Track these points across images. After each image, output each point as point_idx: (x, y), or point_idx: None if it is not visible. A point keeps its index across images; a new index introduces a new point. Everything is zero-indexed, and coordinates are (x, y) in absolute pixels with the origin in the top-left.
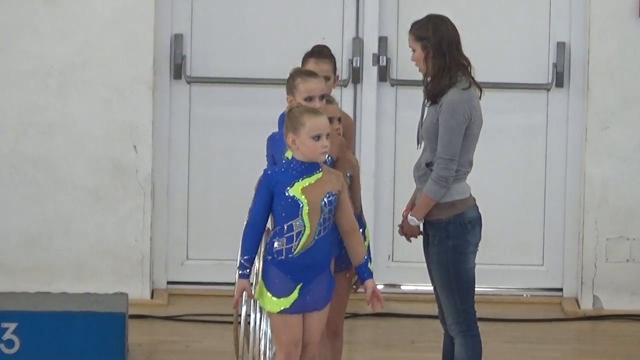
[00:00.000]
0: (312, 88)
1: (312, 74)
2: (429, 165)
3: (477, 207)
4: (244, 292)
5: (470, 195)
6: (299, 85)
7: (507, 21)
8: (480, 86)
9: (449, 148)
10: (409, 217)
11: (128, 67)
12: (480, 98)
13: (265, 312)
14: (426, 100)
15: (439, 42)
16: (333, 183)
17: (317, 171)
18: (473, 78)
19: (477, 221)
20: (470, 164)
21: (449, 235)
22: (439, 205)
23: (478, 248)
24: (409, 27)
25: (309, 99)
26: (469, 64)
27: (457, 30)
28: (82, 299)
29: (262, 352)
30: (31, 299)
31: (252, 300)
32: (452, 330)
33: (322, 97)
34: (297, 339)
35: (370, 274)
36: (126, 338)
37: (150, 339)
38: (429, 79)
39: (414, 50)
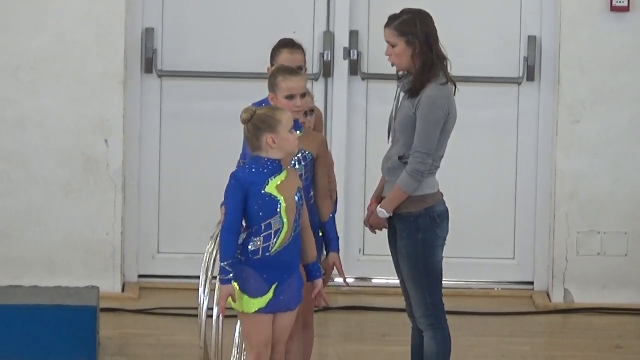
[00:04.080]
0: (293, 86)
1: (294, 72)
2: (401, 158)
3: (444, 201)
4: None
5: (438, 189)
6: (280, 82)
7: (478, 15)
8: (454, 82)
9: (426, 142)
10: (378, 209)
11: (99, 61)
12: (454, 94)
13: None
14: (404, 93)
15: (426, 36)
16: (297, 180)
17: (283, 168)
18: (449, 74)
19: (445, 215)
20: (441, 159)
21: (419, 228)
22: (410, 198)
23: (445, 242)
24: (388, 21)
25: (290, 97)
26: (446, 57)
27: (435, 26)
28: (53, 293)
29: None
30: (2, 292)
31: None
32: (420, 323)
33: (302, 94)
34: (268, 339)
35: (320, 273)
36: (97, 331)
37: (121, 332)
38: (402, 72)
39: (393, 45)
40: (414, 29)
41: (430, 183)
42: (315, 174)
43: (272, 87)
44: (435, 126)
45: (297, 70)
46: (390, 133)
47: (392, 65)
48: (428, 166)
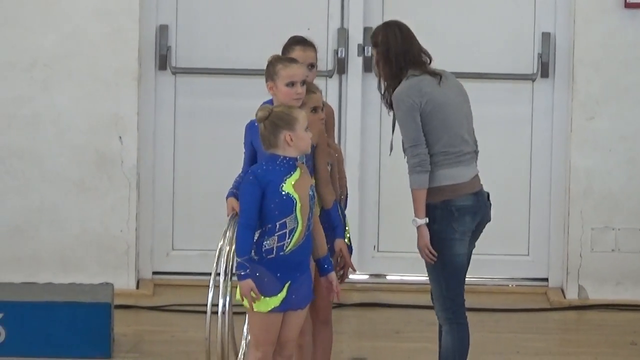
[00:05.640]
0: (293, 73)
1: (293, 60)
2: None
3: (473, 196)
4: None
5: (466, 182)
6: (280, 71)
7: (492, 11)
8: (438, 73)
9: (408, 136)
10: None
11: (113, 58)
12: (439, 83)
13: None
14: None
15: (387, 50)
16: (309, 178)
17: (297, 167)
18: (429, 69)
19: (467, 210)
20: (459, 144)
21: (435, 220)
22: (428, 190)
23: (467, 236)
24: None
25: (291, 84)
26: (426, 62)
27: (409, 37)
28: (68, 290)
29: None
30: (17, 290)
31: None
32: (439, 317)
33: (302, 82)
34: (275, 338)
35: (332, 267)
36: (112, 328)
37: (135, 329)
38: (383, 84)
39: (373, 56)
40: (378, 40)
41: (449, 175)
42: (316, 163)
43: (271, 76)
44: (407, 119)
45: (295, 59)
46: (392, 147)
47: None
48: (422, 155)
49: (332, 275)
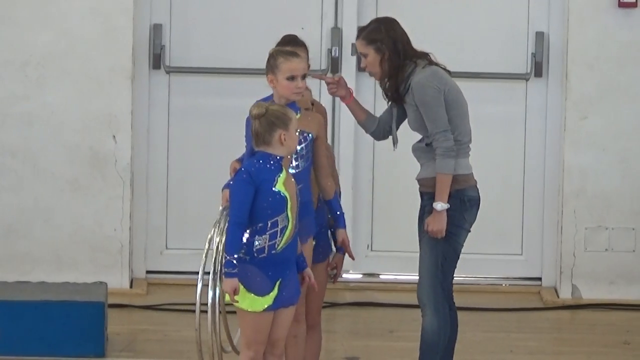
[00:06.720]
0: (294, 67)
1: (294, 54)
2: (429, 145)
3: (476, 189)
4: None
5: (472, 174)
6: (281, 64)
7: (486, 11)
8: (444, 68)
9: (437, 121)
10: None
11: (107, 57)
12: (450, 75)
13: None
14: (390, 102)
15: (393, 42)
16: (292, 178)
17: (283, 167)
18: (435, 63)
19: (475, 202)
20: (469, 134)
21: (449, 207)
22: None
23: (471, 230)
24: (357, 33)
25: (292, 78)
26: (427, 55)
27: (403, 30)
28: (61, 289)
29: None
30: (10, 289)
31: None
32: (427, 300)
33: (303, 76)
34: (266, 337)
35: (306, 264)
36: (105, 327)
37: (129, 328)
38: (385, 80)
39: (365, 56)
40: (380, 35)
41: (464, 164)
42: (316, 154)
43: (272, 69)
44: (435, 105)
45: (297, 52)
46: (395, 141)
47: (370, 76)
48: (452, 141)
49: (307, 271)
